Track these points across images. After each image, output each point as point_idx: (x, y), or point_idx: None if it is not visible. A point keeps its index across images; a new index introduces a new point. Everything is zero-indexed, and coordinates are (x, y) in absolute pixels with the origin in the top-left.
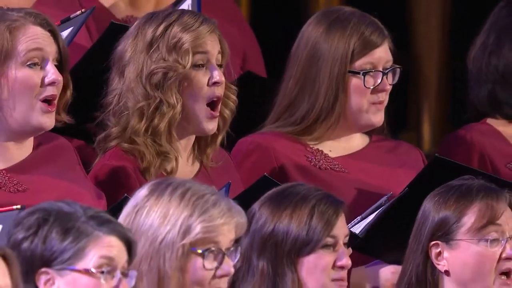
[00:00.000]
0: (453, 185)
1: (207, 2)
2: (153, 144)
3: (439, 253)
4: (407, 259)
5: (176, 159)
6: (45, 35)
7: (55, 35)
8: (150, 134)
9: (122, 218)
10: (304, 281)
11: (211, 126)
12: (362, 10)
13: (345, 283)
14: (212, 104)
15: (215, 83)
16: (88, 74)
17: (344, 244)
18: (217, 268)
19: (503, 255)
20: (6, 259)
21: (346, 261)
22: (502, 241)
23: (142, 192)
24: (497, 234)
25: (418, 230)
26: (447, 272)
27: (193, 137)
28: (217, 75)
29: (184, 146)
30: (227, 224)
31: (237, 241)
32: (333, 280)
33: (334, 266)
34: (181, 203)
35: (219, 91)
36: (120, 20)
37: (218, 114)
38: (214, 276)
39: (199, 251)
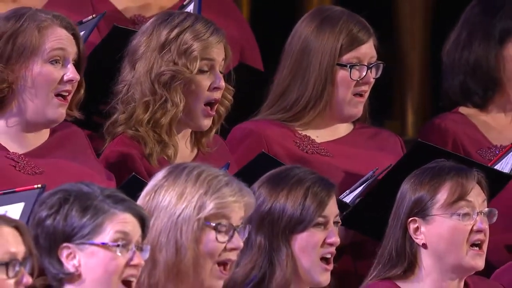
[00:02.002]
0: (427, 168)
1: (208, 1)
2: (154, 134)
3: (417, 228)
4: (387, 235)
5: (175, 146)
6: (68, 37)
7: (76, 38)
8: (152, 126)
9: (142, 196)
10: (297, 256)
11: (206, 123)
12: (351, 7)
13: (331, 265)
14: (210, 104)
15: (216, 89)
16: (91, 73)
17: (334, 223)
18: (228, 241)
19: (474, 228)
20: (18, 229)
21: (335, 239)
22: (473, 215)
23: (161, 174)
24: (468, 209)
25: (396, 209)
26: (424, 245)
27: (189, 130)
28: (219, 82)
29: (181, 137)
30: (238, 202)
31: (247, 222)
32: (322, 257)
33: (324, 243)
34: (197, 183)
35: (218, 94)
36: (129, 19)
37: (214, 113)
38: (225, 249)
39: (213, 224)
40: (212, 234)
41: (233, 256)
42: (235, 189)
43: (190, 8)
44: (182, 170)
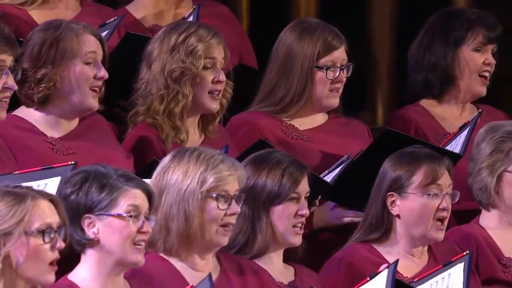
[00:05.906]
0: (407, 152)
1: (210, 12)
2: (168, 121)
3: (393, 201)
4: (369, 205)
5: (186, 132)
6: (97, 42)
7: (102, 43)
8: (167, 115)
9: (153, 177)
10: (274, 224)
11: (215, 105)
12: (331, 20)
13: (302, 231)
14: (214, 93)
15: (218, 82)
16: (110, 72)
17: (305, 198)
18: (227, 208)
19: (440, 206)
20: (53, 202)
21: (306, 211)
22: (440, 196)
23: (167, 158)
24: (437, 191)
25: (378, 183)
26: (398, 216)
27: (198, 117)
28: (220, 76)
29: (191, 123)
30: (232, 175)
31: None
32: (294, 226)
33: (296, 215)
34: (198, 162)
35: (220, 87)
36: (148, 28)
37: (219, 98)
38: (225, 214)
39: (214, 195)
40: (213, 203)
41: (232, 219)
42: (229, 164)
43: (190, 19)
44: (184, 153)
